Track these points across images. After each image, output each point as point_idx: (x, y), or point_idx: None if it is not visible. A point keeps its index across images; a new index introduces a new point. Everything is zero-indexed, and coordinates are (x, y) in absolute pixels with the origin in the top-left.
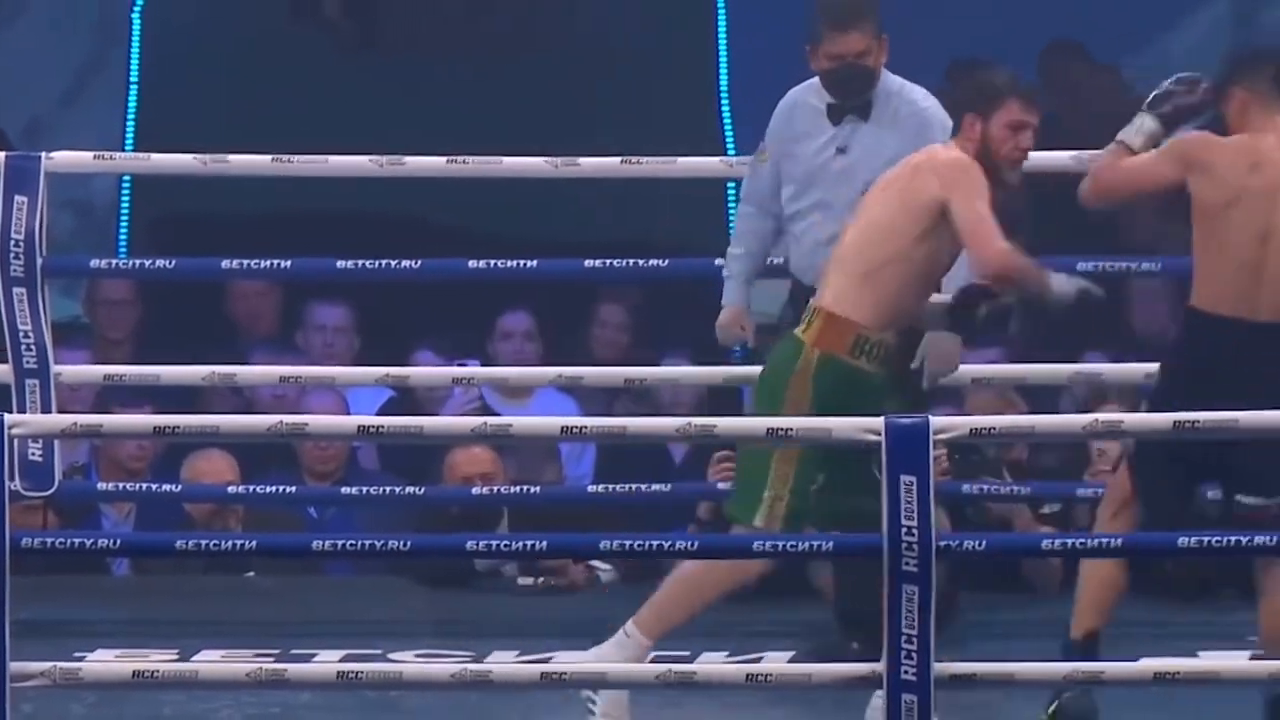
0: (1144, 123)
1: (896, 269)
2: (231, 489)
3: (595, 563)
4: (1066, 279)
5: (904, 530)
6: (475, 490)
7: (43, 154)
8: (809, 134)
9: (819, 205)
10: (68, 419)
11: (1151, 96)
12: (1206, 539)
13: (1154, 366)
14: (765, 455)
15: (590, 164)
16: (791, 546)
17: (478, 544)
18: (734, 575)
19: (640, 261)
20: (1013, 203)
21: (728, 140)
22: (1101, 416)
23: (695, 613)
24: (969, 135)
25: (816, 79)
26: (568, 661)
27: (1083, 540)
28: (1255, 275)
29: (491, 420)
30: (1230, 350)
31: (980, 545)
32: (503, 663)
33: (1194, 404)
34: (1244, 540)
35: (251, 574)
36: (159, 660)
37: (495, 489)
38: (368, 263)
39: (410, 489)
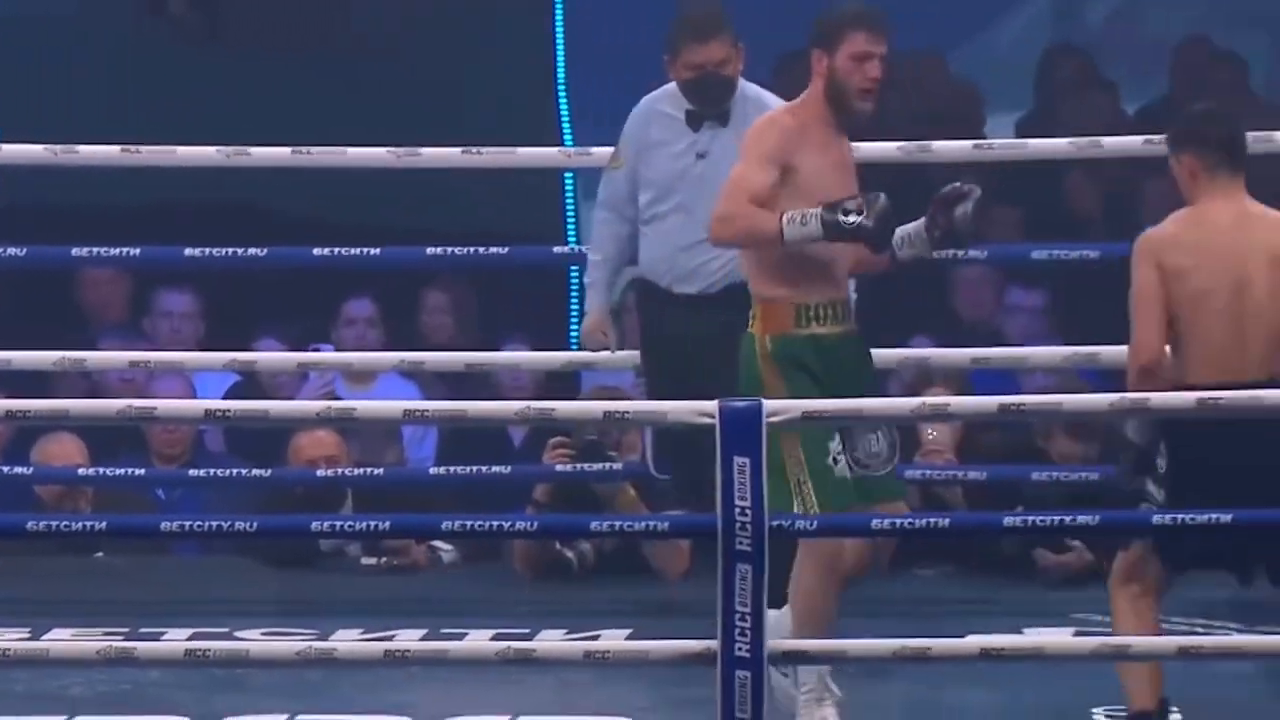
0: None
1: None
2: (81, 471)
3: (437, 543)
4: (799, 222)
5: (738, 510)
6: (320, 472)
7: None
8: (667, 140)
9: (679, 208)
10: None
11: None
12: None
13: (980, 351)
14: (778, 448)
15: (431, 154)
16: (628, 526)
17: (322, 525)
18: (826, 573)
19: (480, 249)
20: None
21: (565, 132)
22: (929, 400)
23: (823, 623)
24: (818, 71)
25: (671, 86)
26: (410, 639)
27: (912, 520)
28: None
29: (335, 404)
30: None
31: (811, 525)
32: (347, 640)
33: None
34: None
35: (100, 554)
36: (11, 639)
37: (339, 471)
38: (215, 251)
39: (256, 471)
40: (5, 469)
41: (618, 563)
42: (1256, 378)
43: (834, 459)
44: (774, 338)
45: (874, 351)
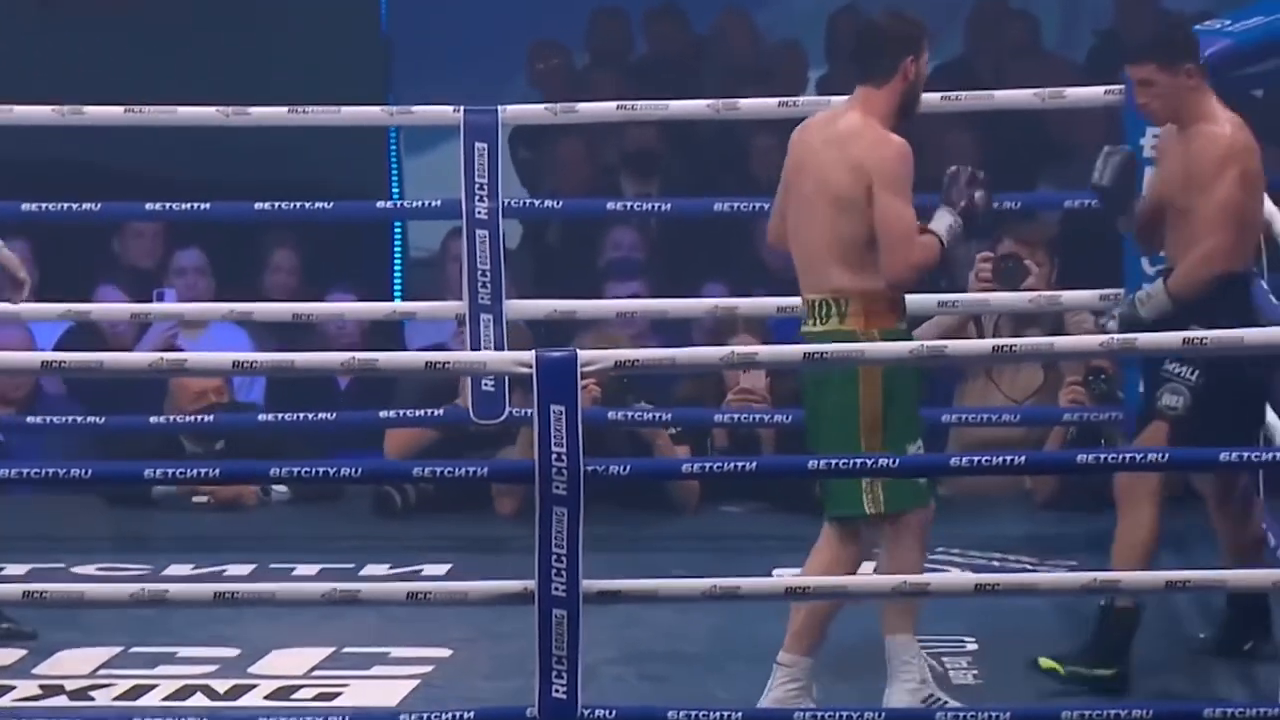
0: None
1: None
2: None
3: None
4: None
5: (554, 456)
6: (152, 419)
7: None
8: None
9: None
10: None
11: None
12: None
13: (785, 300)
14: (848, 444)
15: (259, 113)
16: (449, 472)
17: (155, 471)
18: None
19: (307, 204)
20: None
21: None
22: (738, 349)
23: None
24: (906, 75)
25: None
26: (239, 575)
27: (719, 464)
28: None
29: (168, 355)
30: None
31: (625, 470)
32: (179, 579)
33: None
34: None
35: None
36: None
37: (171, 419)
38: (52, 206)
39: (92, 418)
40: None
41: (439, 501)
42: None
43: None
44: (884, 333)
45: (685, 302)
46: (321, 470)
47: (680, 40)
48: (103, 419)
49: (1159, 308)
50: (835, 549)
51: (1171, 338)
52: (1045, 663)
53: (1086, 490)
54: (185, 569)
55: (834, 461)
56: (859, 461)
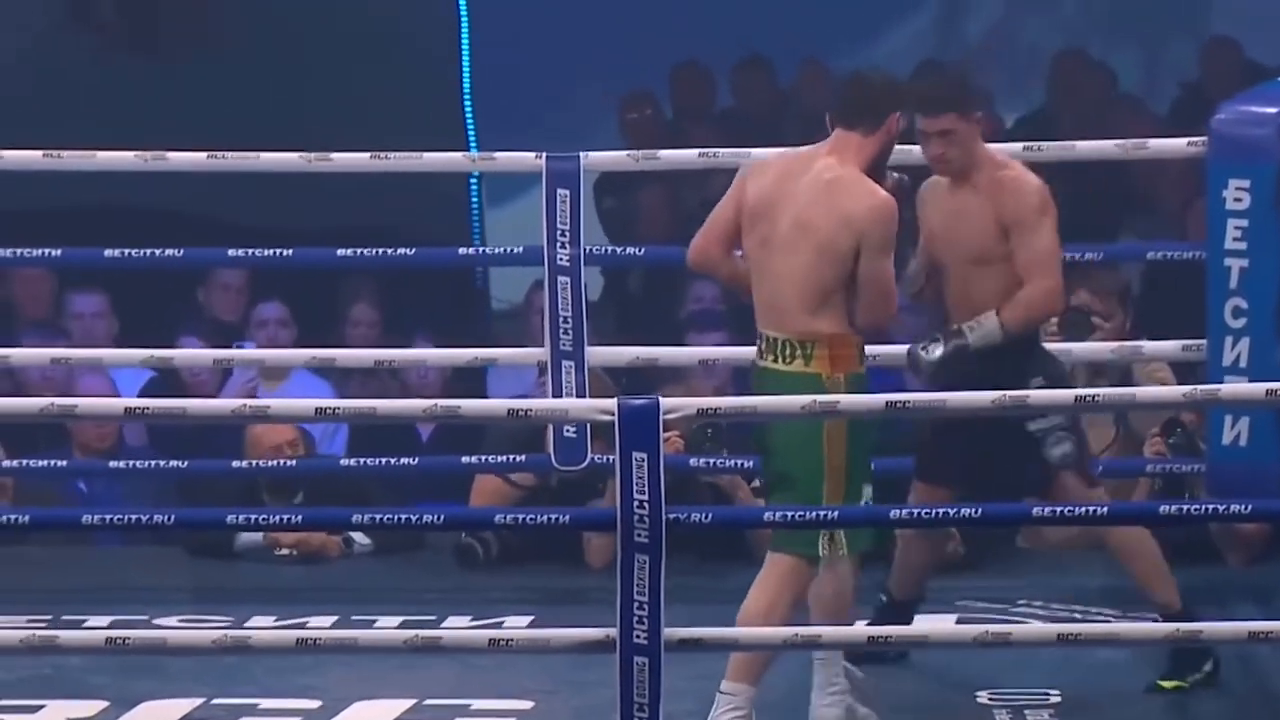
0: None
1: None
2: (4, 463)
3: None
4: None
5: (636, 503)
6: (234, 464)
7: None
8: None
9: None
10: None
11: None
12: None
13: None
14: (812, 485)
15: (341, 159)
16: (530, 519)
17: (237, 518)
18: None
19: (389, 251)
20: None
21: (470, 137)
22: (820, 398)
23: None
24: (890, 130)
25: None
26: (321, 627)
27: (802, 513)
28: None
29: (250, 401)
30: None
31: (708, 518)
32: (260, 628)
33: None
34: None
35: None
36: None
37: (254, 463)
38: (133, 252)
39: (174, 463)
40: None
41: (521, 553)
42: None
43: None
44: (849, 376)
45: None
46: (403, 517)
47: (765, 92)
48: (184, 463)
49: (988, 336)
50: (781, 581)
51: (1255, 388)
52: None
53: (1168, 543)
54: (267, 621)
55: (917, 512)
56: (942, 512)
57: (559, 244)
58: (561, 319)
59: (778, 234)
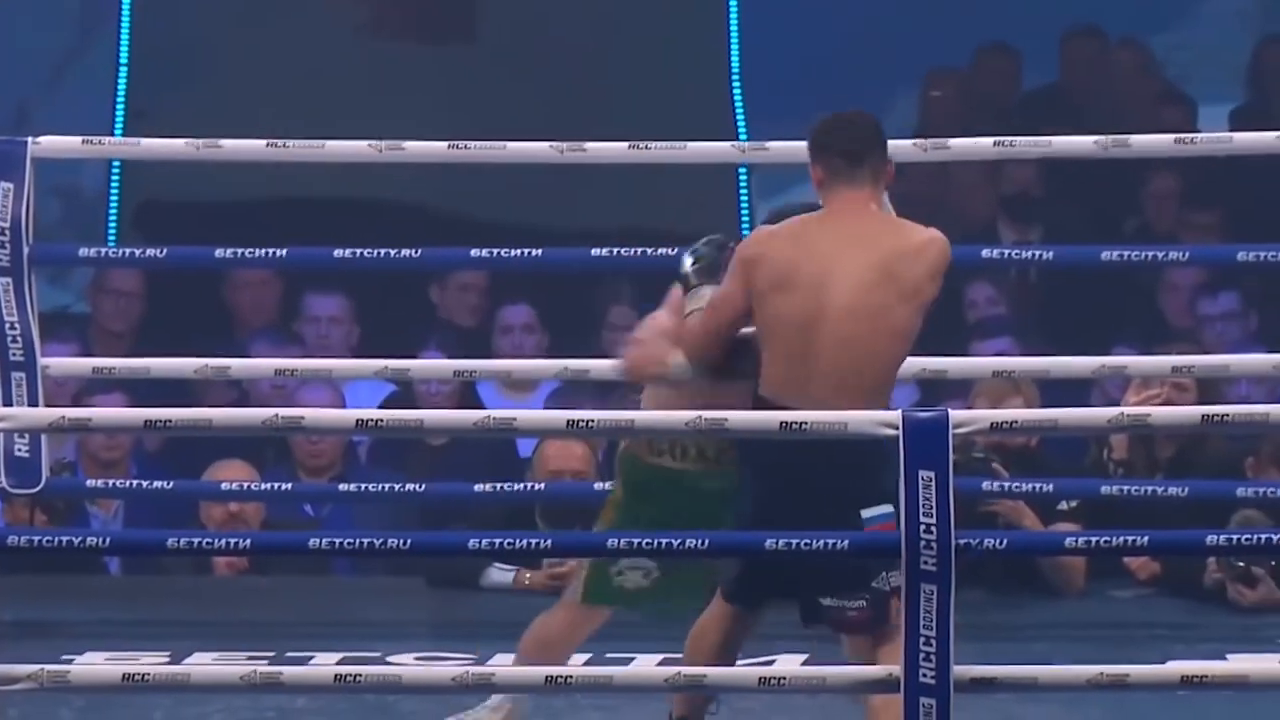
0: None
1: None
2: (224, 486)
3: None
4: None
5: (922, 528)
6: (477, 488)
7: (29, 139)
8: None
9: None
10: (55, 413)
11: (694, 268)
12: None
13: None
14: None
15: (597, 149)
16: (806, 545)
17: (479, 543)
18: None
19: (649, 251)
20: (1031, 188)
21: (740, 125)
22: (1129, 410)
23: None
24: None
25: None
26: (572, 664)
27: (1107, 539)
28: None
29: (495, 413)
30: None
31: (1001, 544)
32: (506, 665)
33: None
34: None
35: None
36: (150, 663)
37: (498, 487)
38: (366, 252)
39: (410, 486)
40: (144, 483)
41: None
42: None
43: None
44: (624, 455)
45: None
46: (663, 543)
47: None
48: (421, 486)
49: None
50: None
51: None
52: None
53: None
54: (511, 658)
55: (1236, 537)
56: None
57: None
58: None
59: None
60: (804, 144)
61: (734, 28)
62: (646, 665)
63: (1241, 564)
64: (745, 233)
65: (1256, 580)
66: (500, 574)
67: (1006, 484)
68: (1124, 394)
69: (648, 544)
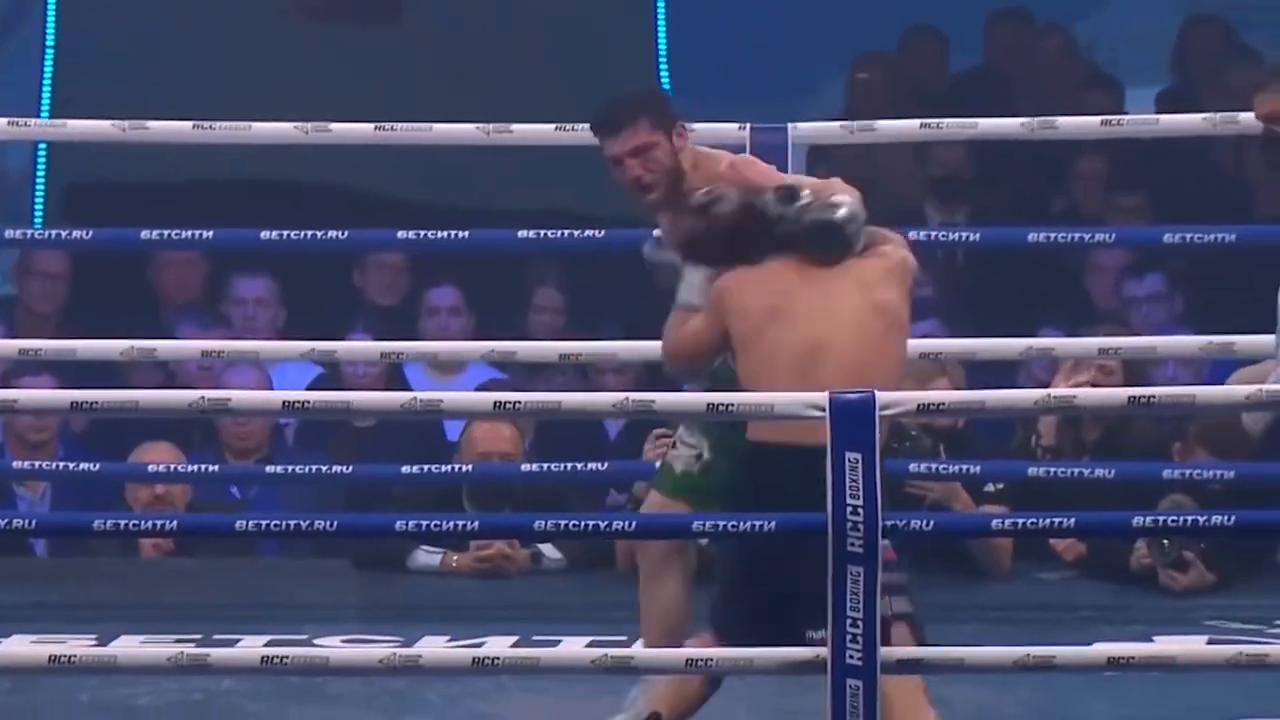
0: (692, 277)
1: None
2: (151, 468)
3: (541, 546)
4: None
5: (849, 509)
6: (404, 469)
7: None
8: None
9: None
10: None
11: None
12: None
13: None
14: None
15: (523, 131)
16: (732, 526)
17: (407, 525)
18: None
19: (575, 233)
20: (959, 170)
21: None
22: (1055, 391)
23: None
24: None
25: None
26: (500, 647)
27: (1034, 521)
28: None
29: (422, 395)
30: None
31: (928, 526)
32: (433, 648)
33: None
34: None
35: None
36: (77, 645)
37: (426, 469)
38: (293, 233)
39: (337, 468)
40: (71, 465)
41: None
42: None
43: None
44: None
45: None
46: (590, 524)
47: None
48: (348, 468)
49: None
50: None
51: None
52: None
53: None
54: (441, 640)
55: (1161, 519)
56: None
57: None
58: None
59: None
60: (730, 126)
61: (661, 9)
62: (574, 647)
63: (1173, 551)
64: None
65: (1188, 565)
66: (427, 556)
67: (933, 465)
68: (1051, 376)
69: (574, 526)
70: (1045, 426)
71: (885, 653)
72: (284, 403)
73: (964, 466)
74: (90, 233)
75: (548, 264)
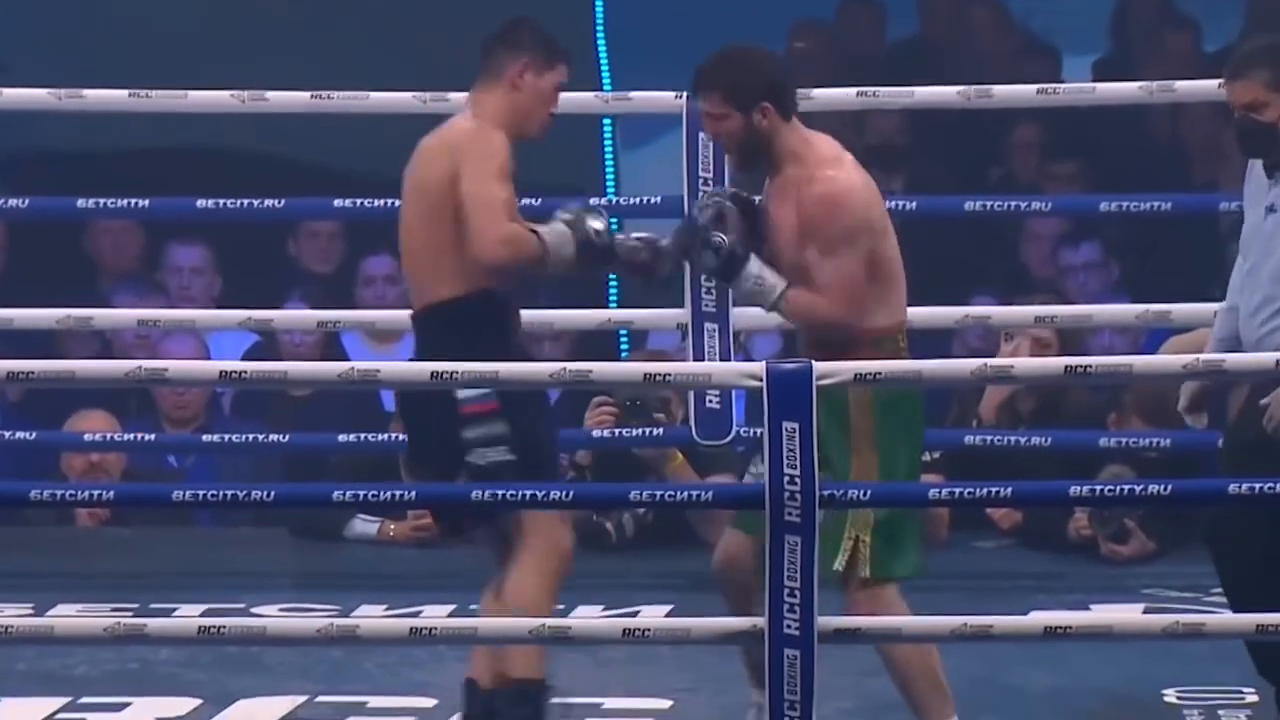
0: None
1: None
2: (87, 437)
3: None
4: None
5: (786, 479)
6: (341, 438)
7: None
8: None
9: (1250, 272)
10: None
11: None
12: (1099, 488)
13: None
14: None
15: (460, 99)
16: (670, 496)
17: (344, 494)
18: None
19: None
20: (895, 139)
21: (604, 76)
22: (992, 361)
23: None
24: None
25: None
26: (437, 616)
27: (971, 490)
28: None
29: (359, 365)
30: None
31: (864, 495)
32: (370, 617)
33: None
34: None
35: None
36: (13, 615)
37: (362, 437)
38: (229, 202)
39: (274, 436)
40: (8, 434)
41: (659, 534)
42: None
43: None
44: None
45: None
46: (527, 494)
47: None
48: (285, 436)
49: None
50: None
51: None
52: None
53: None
54: (378, 609)
55: (1099, 488)
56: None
57: (700, 194)
58: (703, 277)
59: None
60: (666, 94)
61: None
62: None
63: (1113, 521)
64: (610, 184)
65: (1128, 535)
66: (365, 525)
67: None
68: (985, 345)
69: (512, 495)
70: (986, 408)
71: (823, 622)
72: (221, 372)
73: None
74: (26, 201)
75: None
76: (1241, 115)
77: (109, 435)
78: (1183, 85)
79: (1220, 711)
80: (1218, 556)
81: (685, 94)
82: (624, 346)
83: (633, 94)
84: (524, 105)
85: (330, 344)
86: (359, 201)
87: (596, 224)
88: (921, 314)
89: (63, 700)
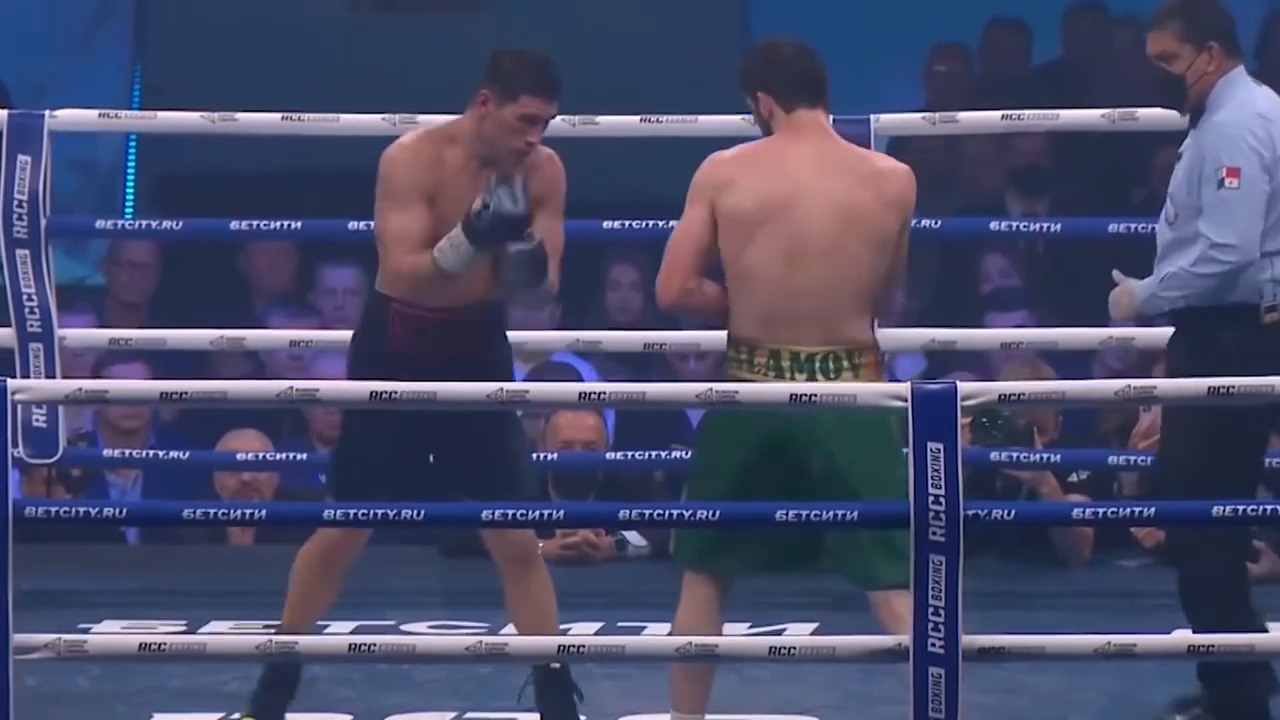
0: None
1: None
2: (241, 456)
3: (626, 534)
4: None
5: (931, 499)
6: None
7: (46, 112)
8: None
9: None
10: (72, 384)
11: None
12: (1243, 508)
13: None
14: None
15: (609, 123)
16: (815, 515)
17: (493, 514)
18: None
19: (660, 222)
20: (1040, 161)
21: None
22: (1135, 382)
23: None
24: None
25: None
26: (585, 634)
27: (1114, 509)
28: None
29: (508, 386)
30: None
31: (1009, 515)
32: (519, 635)
33: None
34: None
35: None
36: (166, 632)
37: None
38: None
39: None
40: (161, 454)
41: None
42: None
43: None
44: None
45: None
46: (674, 513)
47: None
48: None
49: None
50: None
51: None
52: None
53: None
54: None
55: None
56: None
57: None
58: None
59: (810, 235)
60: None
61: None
62: (658, 634)
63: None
64: None
65: (1258, 553)
66: None
67: (1015, 455)
68: (1123, 365)
69: (658, 515)
70: (1136, 436)
71: (967, 641)
72: (371, 393)
73: (1045, 456)
74: (180, 223)
75: (630, 251)
76: (1156, 67)
77: (261, 455)
78: None
79: None
80: None
81: (831, 117)
82: None
83: None
84: (489, 133)
85: None
86: None
87: (485, 198)
88: (1064, 335)
89: (215, 716)
